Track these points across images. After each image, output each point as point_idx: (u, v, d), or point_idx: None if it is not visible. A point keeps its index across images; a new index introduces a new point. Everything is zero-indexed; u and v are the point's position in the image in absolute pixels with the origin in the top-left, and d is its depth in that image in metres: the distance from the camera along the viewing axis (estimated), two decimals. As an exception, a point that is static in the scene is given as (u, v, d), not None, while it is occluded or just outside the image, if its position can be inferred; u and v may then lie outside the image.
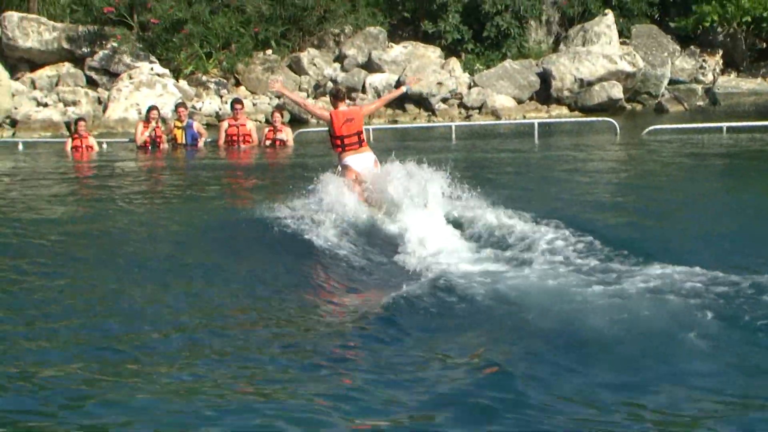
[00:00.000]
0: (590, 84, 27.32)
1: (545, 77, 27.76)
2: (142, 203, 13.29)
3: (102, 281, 8.82)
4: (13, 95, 26.17)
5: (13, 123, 25.40)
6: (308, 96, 27.39)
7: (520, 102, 27.36)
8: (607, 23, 29.10)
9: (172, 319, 7.66)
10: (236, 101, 20.48)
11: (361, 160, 11.81)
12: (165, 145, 19.73)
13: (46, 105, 26.00)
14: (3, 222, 11.76)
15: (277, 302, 8.28)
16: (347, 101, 13.05)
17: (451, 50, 28.85)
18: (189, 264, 9.49)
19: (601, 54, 27.79)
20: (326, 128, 12.28)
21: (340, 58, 28.27)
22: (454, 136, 21.22)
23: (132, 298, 8.20)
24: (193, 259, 9.65)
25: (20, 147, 20.91)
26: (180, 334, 7.24)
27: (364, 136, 11.94)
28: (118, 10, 27.36)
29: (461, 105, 27.18)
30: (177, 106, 20.98)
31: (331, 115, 11.94)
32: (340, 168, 11.87)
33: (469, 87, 27.48)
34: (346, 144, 11.85)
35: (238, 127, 19.70)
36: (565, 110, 27.33)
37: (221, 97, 26.90)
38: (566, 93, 27.42)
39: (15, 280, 8.90)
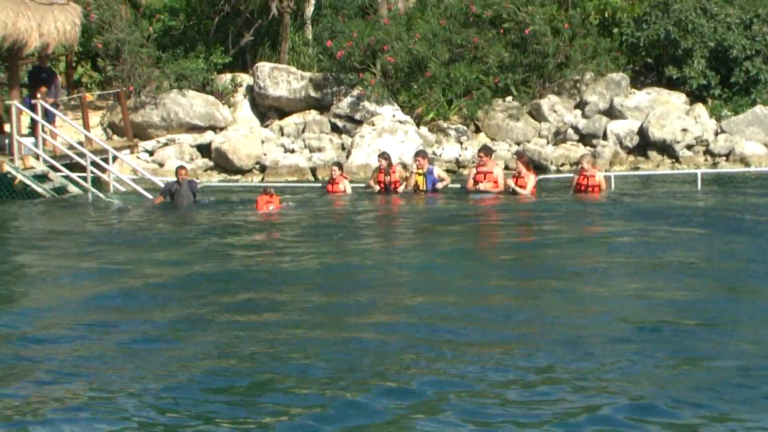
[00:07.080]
0: None
1: (798, 123, 26.47)
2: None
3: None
4: (263, 142, 27.31)
5: (263, 168, 26.49)
6: (548, 143, 27.21)
7: (770, 149, 26.22)
8: None
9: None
10: (483, 149, 20.62)
11: None
12: (401, 190, 20.13)
13: (293, 151, 26.95)
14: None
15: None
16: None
17: (696, 96, 27.99)
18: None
19: None
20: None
21: (581, 105, 27.95)
22: (699, 183, 20.52)
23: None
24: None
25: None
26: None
27: None
28: (352, 55, 27.90)
29: (707, 152, 26.30)
30: (416, 155, 21.14)
31: None
32: None
33: (716, 134, 26.57)
34: None
35: (485, 174, 19.76)
36: (819, 157, 25.95)
37: (461, 143, 27.10)
38: (821, 139, 26.06)
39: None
